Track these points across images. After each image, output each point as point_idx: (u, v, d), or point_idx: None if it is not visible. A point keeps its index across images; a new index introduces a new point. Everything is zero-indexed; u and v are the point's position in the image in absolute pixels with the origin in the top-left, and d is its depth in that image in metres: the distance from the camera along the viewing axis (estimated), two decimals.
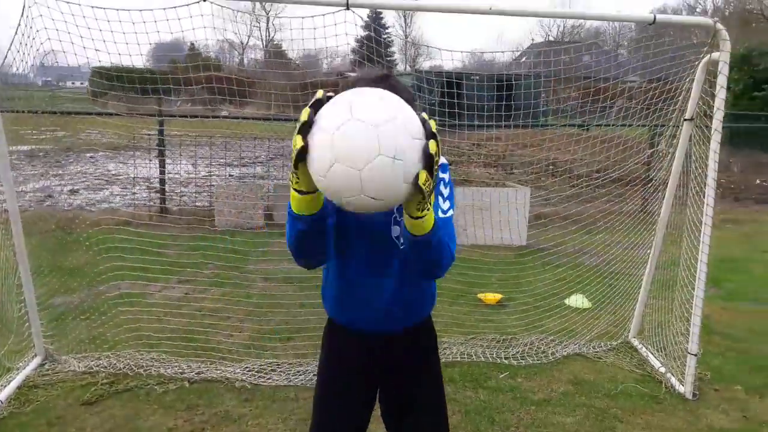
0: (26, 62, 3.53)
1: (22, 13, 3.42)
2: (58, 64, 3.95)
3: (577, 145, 5.39)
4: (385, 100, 1.38)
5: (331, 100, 1.41)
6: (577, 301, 5.21)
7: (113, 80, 4.33)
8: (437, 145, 1.38)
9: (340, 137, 1.31)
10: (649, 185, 6.28)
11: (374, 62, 4.72)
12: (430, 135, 1.39)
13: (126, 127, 5.99)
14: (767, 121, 17.71)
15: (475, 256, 5.33)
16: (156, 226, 6.95)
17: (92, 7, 3.46)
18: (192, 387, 3.77)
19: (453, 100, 5.02)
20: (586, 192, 5.74)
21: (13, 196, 3.70)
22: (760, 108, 17.47)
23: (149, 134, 9.11)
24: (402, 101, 1.43)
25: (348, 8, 3.34)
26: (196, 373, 3.91)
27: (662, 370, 4.01)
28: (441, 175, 1.81)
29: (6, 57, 3.45)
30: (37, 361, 3.94)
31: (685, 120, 3.85)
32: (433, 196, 1.53)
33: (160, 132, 8.53)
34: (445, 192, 1.83)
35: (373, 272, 1.87)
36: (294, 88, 5.12)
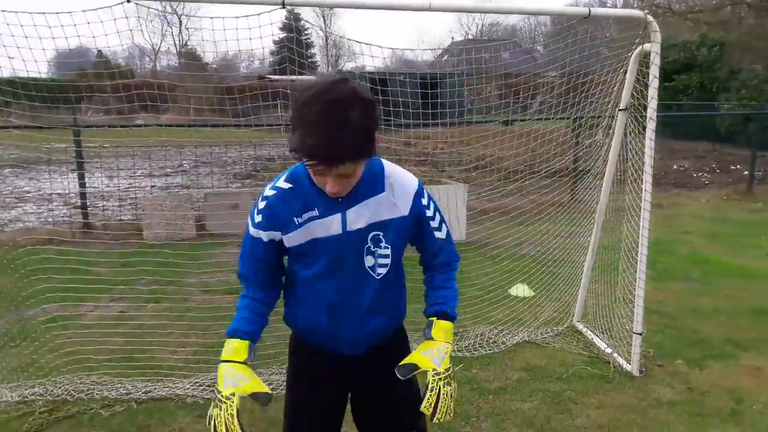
0: None
1: None
2: None
3: (504, 141, 5.51)
4: None
5: None
6: (521, 290, 5.34)
7: (16, 90, 4.01)
8: None
9: None
10: (578, 176, 6.53)
11: (295, 64, 4.63)
12: None
13: (36, 140, 5.64)
14: (678, 110, 18.89)
15: (413, 253, 5.32)
16: (80, 243, 6.55)
17: None
18: (140, 407, 3.57)
19: (379, 98, 4.96)
20: (518, 186, 5.89)
21: None
22: (670, 98, 18.60)
23: (64, 146, 8.61)
24: None
25: (283, 6, 3.27)
26: (143, 393, 3.70)
27: (609, 350, 4.16)
28: (422, 201, 1.83)
29: None
30: None
31: (620, 110, 4.01)
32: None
33: (77, 143, 8.08)
34: (429, 211, 1.86)
35: (345, 303, 1.83)
36: (213, 93, 4.98)
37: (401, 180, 1.80)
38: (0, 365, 3.94)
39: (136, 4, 3.25)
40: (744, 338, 4.44)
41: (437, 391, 1.72)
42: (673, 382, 3.81)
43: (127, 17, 3.29)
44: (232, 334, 1.82)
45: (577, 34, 4.23)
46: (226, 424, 1.68)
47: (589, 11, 3.38)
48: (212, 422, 1.69)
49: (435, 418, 1.73)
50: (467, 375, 3.91)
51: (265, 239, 1.77)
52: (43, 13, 3.23)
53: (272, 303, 1.92)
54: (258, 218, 1.77)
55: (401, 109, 5.07)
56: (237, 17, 3.45)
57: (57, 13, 3.22)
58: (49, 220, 8.91)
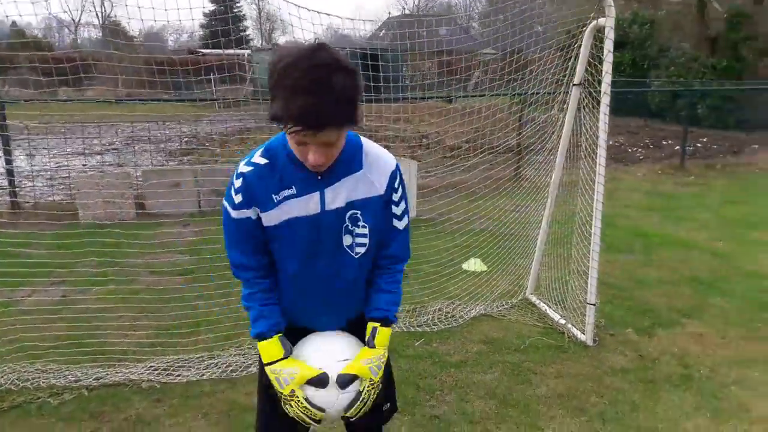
0: None
1: None
2: None
3: (453, 119, 5.53)
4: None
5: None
6: (474, 264, 5.39)
7: None
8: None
9: None
10: (522, 152, 6.63)
11: (228, 36, 4.46)
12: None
13: None
14: (612, 87, 19.39)
15: None
16: (9, 225, 6.19)
17: None
18: (92, 394, 3.42)
19: None
20: (466, 162, 5.93)
21: None
22: None
23: None
24: None
25: None
26: (94, 379, 3.54)
27: (562, 321, 4.27)
28: (395, 183, 1.77)
29: None
30: None
31: (574, 85, 4.06)
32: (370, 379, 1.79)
33: (1, 117, 7.56)
34: (397, 196, 1.79)
35: (324, 282, 1.79)
36: (142, 67, 4.74)
37: (379, 158, 1.75)
38: None
39: None
40: (687, 306, 4.65)
41: (367, 400, 1.77)
42: (624, 350, 3.95)
43: None
44: (260, 337, 1.79)
45: (516, 9, 4.25)
46: (304, 415, 1.73)
47: None
48: (296, 413, 1.75)
49: (349, 413, 1.77)
50: (428, 349, 3.93)
51: (253, 216, 1.69)
52: None
53: (276, 287, 1.83)
54: (237, 198, 1.67)
55: None
56: None
57: None
58: None
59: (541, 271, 4.80)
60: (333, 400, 1.74)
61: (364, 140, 1.75)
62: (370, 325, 1.85)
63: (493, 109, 5.45)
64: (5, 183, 8.20)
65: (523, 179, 5.07)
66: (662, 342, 4.05)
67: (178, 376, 3.61)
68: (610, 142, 4.20)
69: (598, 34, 3.79)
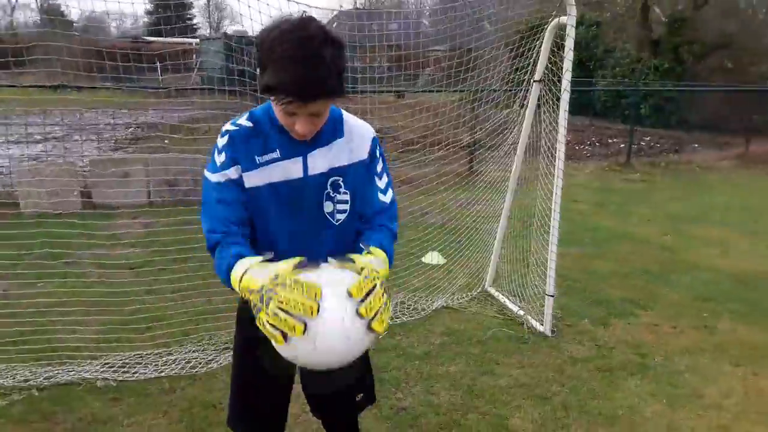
0: None
1: None
2: None
3: (410, 115, 5.52)
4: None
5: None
6: (433, 258, 5.42)
7: None
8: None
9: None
10: (475, 147, 6.71)
11: (174, 24, 4.34)
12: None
13: None
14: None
15: None
16: None
17: None
18: (43, 394, 3.27)
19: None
20: (420, 156, 5.95)
21: None
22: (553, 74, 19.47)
23: None
24: None
25: None
26: (44, 379, 3.39)
27: (521, 312, 4.34)
28: (376, 151, 1.78)
29: None
30: None
31: (535, 81, 4.13)
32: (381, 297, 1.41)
33: None
34: (379, 167, 1.80)
35: (304, 249, 1.72)
36: (80, 54, 4.54)
37: (358, 126, 1.77)
38: None
39: None
40: (639, 297, 4.80)
41: (372, 281, 1.38)
42: (582, 340, 4.05)
43: None
44: (233, 260, 1.51)
45: (468, 9, 4.29)
46: (299, 294, 1.29)
47: None
48: (278, 318, 1.29)
49: (361, 307, 1.34)
50: (392, 342, 3.93)
51: (234, 176, 1.64)
52: None
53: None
54: (221, 158, 1.64)
55: None
56: None
57: None
58: None
59: (500, 263, 4.87)
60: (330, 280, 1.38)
61: (343, 111, 1.78)
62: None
63: (450, 107, 5.48)
64: None
65: (477, 174, 5.12)
66: (617, 332, 4.18)
67: (135, 373, 3.49)
68: (546, 142, 4.29)
69: (559, 32, 3.85)
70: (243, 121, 1.68)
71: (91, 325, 4.06)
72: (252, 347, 1.92)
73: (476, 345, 3.94)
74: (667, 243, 6.41)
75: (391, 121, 6.68)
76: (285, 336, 1.30)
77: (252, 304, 1.35)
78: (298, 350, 1.34)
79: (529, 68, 4.17)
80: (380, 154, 1.80)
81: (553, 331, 4.11)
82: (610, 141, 14.40)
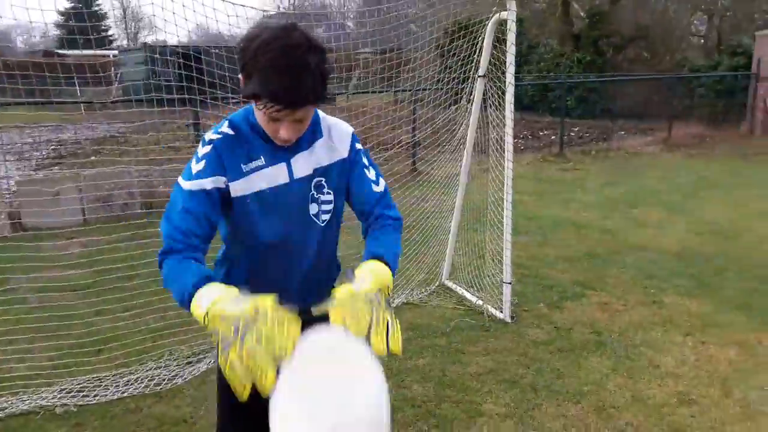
0: None
1: None
2: None
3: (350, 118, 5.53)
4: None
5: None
6: None
7: None
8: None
9: None
10: (418, 146, 6.82)
11: (88, 35, 4.20)
12: None
13: None
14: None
15: None
16: None
17: None
18: (1, 426, 3.09)
19: (194, 74, 4.55)
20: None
21: None
22: None
23: None
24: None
25: None
26: None
27: (480, 302, 4.43)
28: (357, 146, 1.79)
29: None
30: None
31: (479, 76, 4.23)
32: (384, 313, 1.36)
33: None
34: (365, 160, 1.81)
35: (292, 252, 1.75)
36: None
37: (336, 124, 1.78)
38: None
39: None
40: (587, 279, 5.00)
41: (364, 313, 1.33)
42: (540, 323, 4.17)
43: None
44: (196, 286, 1.38)
45: (393, 10, 4.37)
46: (279, 332, 1.20)
47: None
48: (251, 359, 1.17)
49: (377, 347, 1.30)
50: None
51: (208, 187, 1.58)
52: None
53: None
54: (198, 166, 1.59)
55: (228, 84, 4.70)
56: None
57: None
58: None
59: (455, 257, 4.96)
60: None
61: (320, 112, 1.77)
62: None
63: (386, 109, 5.55)
64: None
65: (421, 174, 5.20)
66: (572, 313, 4.33)
67: (96, 396, 3.35)
68: (494, 135, 4.42)
69: (500, 27, 3.97)
70: (224, 129, 1.65)
71: (40, 351, 3.88)
72: None
73: (441, 337, 4.00)
74: (607, 226, 6.69)
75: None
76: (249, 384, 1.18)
77: (219, 336, 1.22)
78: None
79: (473, 64, 4.27)
80: (361, 148, 1.81)
81: (512, 318, 4.22)
82: (541, 133, 14.87)
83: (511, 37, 3.85)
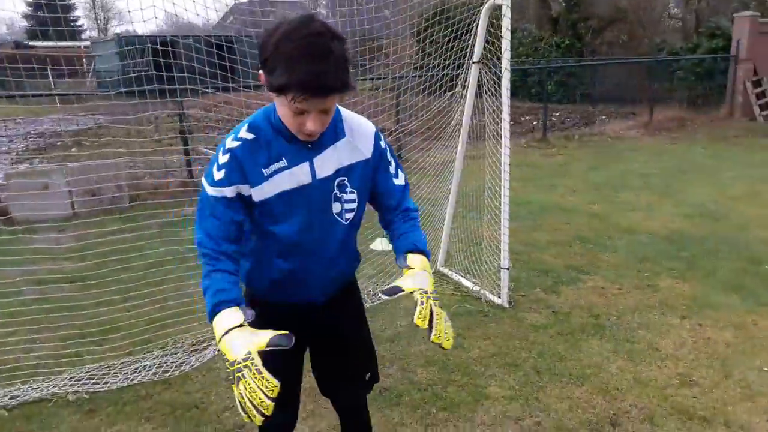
0: None
1: None
2: None
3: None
4: None
5: None
6: (381, 244, 5.50)
7: None
8: None
9: None
10: (400, 131, 6.84)
11: (57, 26, 4.14)
12: None
13: None
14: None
15: None
16: None
17: None
18: (13, 414, 3.13)
19: (167, 61, 4.48)
20: None
21: None
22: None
23: None
24: None
25: None
26: (10, 398, 3.23)
27: (476, 288, 4.50)
28: (381, 144, 1.82)
29: None
30: None
31: (474, 63, 4.26)
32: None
33: None
34: (388, 155, 1.85)
35: (315, 250, 1.79)
36: None
37: (359, 123, 1.79)
38: None
39: None
40: (581, 264, 5.09)
41: (428, 306, 1.60)
42: (538, 308, 4.26)
43: None
44: (216, 308, 1.54)
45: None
46: (258, 387, 1.37)
47: None
48: (244, 401, 1.38)
49: (433, 336, 1.58)
50: None
51: (230, 195, 1.63)
52: None
53: (238, 273, 1.72)
54: (219, 174, 1.62)
55: (196, 76, 4.64)
56: None
57: None
58: None
59: (451, 243, 5.02)
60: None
61: (341, 109, 1.78)
62: (402, 255, 1.76)
63: (366, 95, 5.55)
64: None
65: (406, 161, 5.21)
66: (569, 297, 4.42)
67: (106, 383, 3.38)
68: (476, 121, 4.48)
69: (494, 12, 4.00)
70: (244, 133, 1.65)
71: (44, 341, 3.88)
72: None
73: None
74: (595, 211, 6.80)
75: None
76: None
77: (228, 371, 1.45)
78: None
79: (466, 50, 4.30)
80: (386, 145, 1.83)
81: (510, 303, 4.30)
82: (522, 119, 14.97)
83: (506, 23, 3.89)
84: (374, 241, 5.51)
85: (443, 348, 1.62)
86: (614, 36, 20.02)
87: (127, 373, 3.47)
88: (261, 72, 1.52)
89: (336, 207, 1.74)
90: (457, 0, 4.72)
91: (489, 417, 2.99)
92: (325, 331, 2.01)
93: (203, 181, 1.66)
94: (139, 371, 3.49)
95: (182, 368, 3.52)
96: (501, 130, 4.14)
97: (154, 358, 3.64)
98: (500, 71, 4.03)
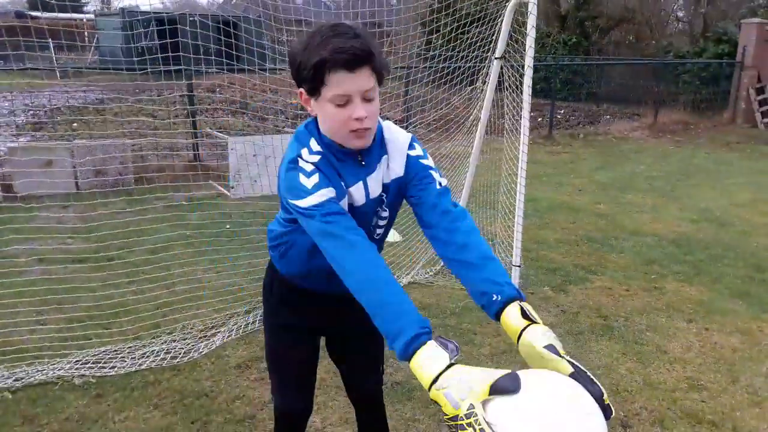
0: None
1: None
2: None
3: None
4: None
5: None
6: (390, 236, 5.48)
7: None
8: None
9: None
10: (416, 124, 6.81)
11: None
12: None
13: None
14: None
15: (269, 208, 4.97)
16: None
17: None
18: (18, 396, 3.09)
19: (173, 40, 4.40)
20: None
21: None
22: None
23: None
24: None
25: None
26: (15, 380, 3.20)
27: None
28: (412, 153, 1.69)
29: None
30: None
31: (496, 58, 4.23)
32: None
33: None
34: (426, 160, 1.73)
35: None
36: None
37: (396, 140, 1.71)
38: None
39: None
40: (588, 263, 5.09)
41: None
42: (547, 306, 4.26)
43: None
44: (414, 344, 1.30)
45: None
46: None
47: None
48: None
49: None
50: None
51: (332, 195, 1.51)
52: None
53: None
54: (314, 179, 1.50)
55: (201, 56, 4.56)
56: None
57: None
58: None
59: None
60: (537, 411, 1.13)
61: (381, 121, 1.72)
62: (510, 308, 1.50)
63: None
64: None
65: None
66: (577, 297, 4.42)
67: (113, 368, 3.35)
68: (494, 117, 4.46)
69: (520, 9, 3.97)
70: (316, 147, 1.57)
71: (49, 323, 3.84)
72: (290, 327, 1.98)
73: (451, 317, 4.05)
74: (602, 211, 6.80)
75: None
76: None
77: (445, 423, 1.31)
78: None
79: (490, 45, 4.27)
80: (420, 148, 1.73)
81: None
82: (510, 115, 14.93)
83: (531, 20, 3.86)
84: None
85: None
86: (621, 36, 19.99)
87: (134, 357, 3.45)
88: (300, 90, 1.50)
89: (374, 220, 1.72)
90: None
91: None
92: (343, 323, 1.98)
93: (294, 203, 1.50)
94: (147, 356, 3.46)
95: (191, 355, 3.50)
96: (520, 127, 4.11)
97: (163, 344, 3.61)
98: (522, 68, 4.00)
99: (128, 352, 3.51)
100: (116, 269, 4.31)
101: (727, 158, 10.40)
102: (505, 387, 1.15)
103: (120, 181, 7.47)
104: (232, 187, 7.17)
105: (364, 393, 2.25)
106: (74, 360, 3.41)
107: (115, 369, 3.33)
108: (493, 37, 4.22)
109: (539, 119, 13.85)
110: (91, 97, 13.99)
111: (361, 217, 1.65)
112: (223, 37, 4.66)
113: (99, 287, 4.31)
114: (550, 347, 1.37)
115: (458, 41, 4.43)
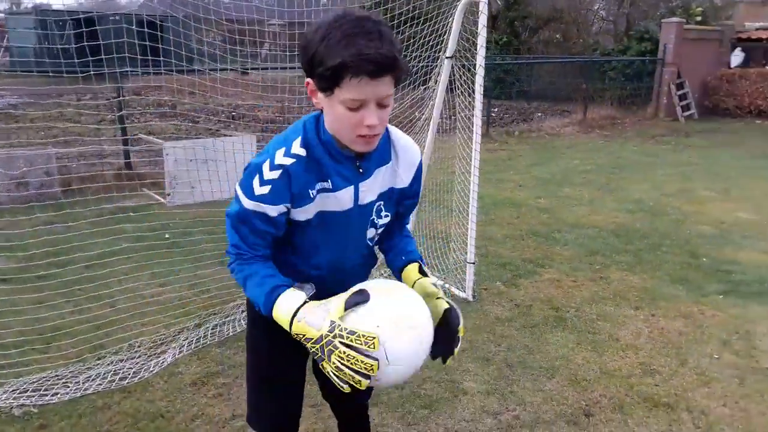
0: None
1: None
2: None
3: (248, 91, 5.25)
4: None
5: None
6: None
7: None
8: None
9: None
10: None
11: None
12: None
13: None
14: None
15: (210, 215, 4.58)
16: None
17: None
18: None
19: (94, 43, 4.19)
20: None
21: None
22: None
23: None
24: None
25: None
26: None
27: (440, 283, 4.49)
28: (420, 174, 1.75)
29: None
30: None
31: (447, 57, 4.24)
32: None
33: None
34: (419, 185, 1.78)
35: (338, 268, 1.70)
36: None
37: (407, 149, 1.68)
38: None
39: None
40: (536, 257, 5.19)
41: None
42: (501, 301, 4.30)
43: None
44: (272, 295, 1.47)
45: None
46: (357, 349, 1.30)
47: None
48: (342, 371, 1.32)
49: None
50: None
51: (271, 214, 1.51)
52: None
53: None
54: (262, 190, 1.48)
55: (125, 55, 4.35)
56: None
57: None
58: None
59: (414, 237, 4.99)
60: (394, 314, 1.39)
61: (390, 128, 1.66)
62: (413, 265, 1.72)
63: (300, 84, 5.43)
64: None
65: None
66: (528, 290, 4.49)
67: (55, 395, 3.12)
68: (445, 116, 4.50)
69: (471, 8, 4.00)
70: (297, 149, 1.51)
71: None
72: (276, 341, 1.85)
73: None
74: (543, 205, 6.96)
75: (240, 99, 6.36)
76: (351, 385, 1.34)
77: (312, 351, 1.39)
78: (381, 382, 1.41)
79: (443, 44, 4.29)
80: (420, 172, 1.75)
81: (474, 296, 4.32)
82: (461, 114, 15.17)
83: (482, 19, 3.89)
84: None
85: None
86: (550, 35, 20.61)
87: (78, 382, 3.22)
88: (308, 80, 1.42)
89: (370, 233, 1.68)
90: None
91: (468, 412, 2.98)
92: None
93: (238, 189, 1.52)
94: (93, 379, 3.25)
95: (141, 374, 3.31)
96: (473, 126, 4.15)
97: (109, 365, 3.41)
98: (473, 67, 4.03)
99: (71, 376, 3.29)
100: (49, 288, 4.05)
101: (654, 150, 10.88)
102: (357, 300, 1.37)
103: (45, 193, 7.06)
104: (169, 195, 6.90)
105: (351, 408, 2.19)
106: (11, 389, 3.16)
107: (59, 396, 3.11)
108: (445, 37, 4.22)
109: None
110: (2, 102, 13.18)
111: (351, 222, 1.61)
112: (147, 38, 4.43)
113: (31, 309, 4.02)
114: (437, 285, 1.64)
115: (410, 41, 4.40)
